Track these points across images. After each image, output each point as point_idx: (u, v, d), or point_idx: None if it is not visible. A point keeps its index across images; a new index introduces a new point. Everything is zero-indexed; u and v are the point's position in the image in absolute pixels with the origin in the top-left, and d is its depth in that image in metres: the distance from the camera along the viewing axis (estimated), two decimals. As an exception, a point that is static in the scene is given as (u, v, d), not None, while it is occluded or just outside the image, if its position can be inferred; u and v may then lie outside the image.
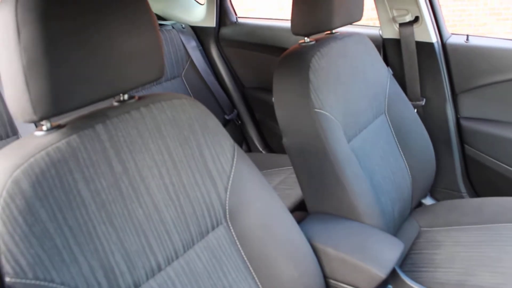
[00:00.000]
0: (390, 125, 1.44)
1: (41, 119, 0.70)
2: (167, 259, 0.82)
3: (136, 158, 0.80)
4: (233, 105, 2.37)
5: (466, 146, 1.72)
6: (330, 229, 1.17)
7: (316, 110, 1.17)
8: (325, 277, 1.07)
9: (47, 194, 0.68)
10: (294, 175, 1.40)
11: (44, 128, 0.75)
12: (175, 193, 0.84)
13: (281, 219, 0.99)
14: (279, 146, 2.31)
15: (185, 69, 2.17)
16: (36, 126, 1.07)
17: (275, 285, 0.93)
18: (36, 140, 0.73)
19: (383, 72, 1.46)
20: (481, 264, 1.23)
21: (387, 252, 1.09)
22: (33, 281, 0.64)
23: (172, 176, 0.84)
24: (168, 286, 0.81)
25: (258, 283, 0.93)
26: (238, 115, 2.37)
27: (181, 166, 0.86)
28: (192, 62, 2.20)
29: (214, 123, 0.95)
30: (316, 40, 1.32)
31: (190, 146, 0.88)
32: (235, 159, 0.95)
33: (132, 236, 0.77)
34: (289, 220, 1.01)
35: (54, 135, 0.74)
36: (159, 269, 0.80)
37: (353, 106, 1.30)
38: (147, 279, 0.78)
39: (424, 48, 1.66)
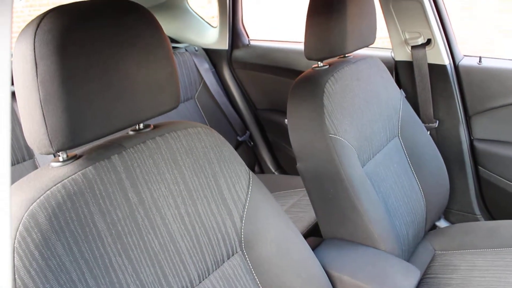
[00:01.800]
0: (404, 148, 1.44)
1: (58, 151, 0.71)
2: None
3: (151, 188, 0.81)
4: (246, 127, 2.38)
5: (480, 168, 1.70)
6: (345, 255, 1.16)
7: (330, 135, 1.17)
8: None
9: (63, 227, 0.69)
10: (307, 198, 1.40)
11: (60, 159, 0.76)
12: (190, 223, 0.84)
13: (297, 247, 0.99)
14: (291, 167, 2.31)
15: (198, 91, 2.20)
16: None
17: None
18: (52, 172, 0.74)
19: (396, 95, 1.46)
20: (499, 290, 1.21)
21: (403, 280, 1.08)
22: None
23: (188, 206, 0.85)
24: None
25: None
26: (251, 137, 2.38)
27: (197, 196, 0.87)
28: (205, 84, 2.22)
29: (229, 152, 0.95)
30: (330, 64, 1.33)
31: (206, 175, 0.89)
32: (250, 188, 0.95)
33: (147, 267, 0.77)
34: (305, 247, 1.00)
35: (70, 167, 0.75)
36: None
37: (366, 130, 1.30)
38: None
39: (437, 70, 1.66)
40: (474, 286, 1.24)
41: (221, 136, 0.96)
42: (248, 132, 2.36)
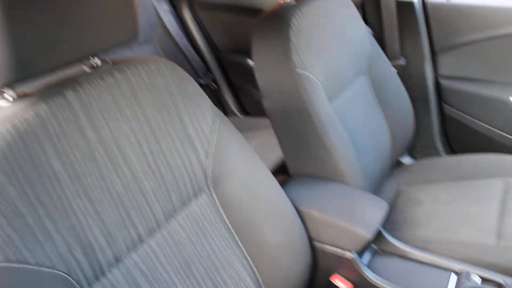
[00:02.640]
0: (370, 85, 1.42)
1: (3, 86, 0.65)
2: (149, 231, 0.79)
3: (111, 126, 0.76)
4: (208, 70, 2.31)
5: (444, 105, 1.72)
6: (314, 191, 1.16)
7: (297, 70, 1.14)
8: (311, 239, 1.06)
9: (15, 170, 0.64)
10: (273, 138, 1.38)
11: (10, 98, 0.70)
12: (154, 162, 0.81)
13: (266, 184, 0.97)
14: (256, 109, 2.27)
15: (157, 34, 2.10)
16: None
17: (260, 250, 0.92)
18: (1, 112, 0.68)
19: (363, 32, 1.43)
20: (461, 221, 1.24)
21: (372, 212, 1.09)
22: (5, 264, 0.60)
23: (151, 144, 0.81)
24: (151, 258, 0.78)
25: (244, 250, 0.91)
26: (214, 80, 2.32)
27: (160, 133, 0.82)
28: (164, 26, 2.12)
29: (193, 87, 0.91)
30: (296, 0, 1.27)
31: (169, 111, 0.84)
32: (216, 124, 0.91)
33: (110, 209, 0.73)
34: (274, 184, 0.99)
35: (21, 106, 0.68)
36: (141, 241, 0.77)
37: (334, 66, 1.27)
38: (128, 252, 0.75)
39: (404, 7, 1.63)
40: (439, 218, 1.27)
41: (184, 72, 0.91)
42: (210, 75, 2.29)
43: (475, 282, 1.01)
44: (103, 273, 0.71)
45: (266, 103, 1.22)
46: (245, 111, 2.36)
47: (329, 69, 1.24)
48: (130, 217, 0.76)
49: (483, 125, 1.64)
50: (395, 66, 1.65)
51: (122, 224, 0.74)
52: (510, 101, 1.54)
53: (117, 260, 0.74)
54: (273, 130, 1.27)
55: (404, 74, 1.70)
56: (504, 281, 1.00)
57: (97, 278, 0.70)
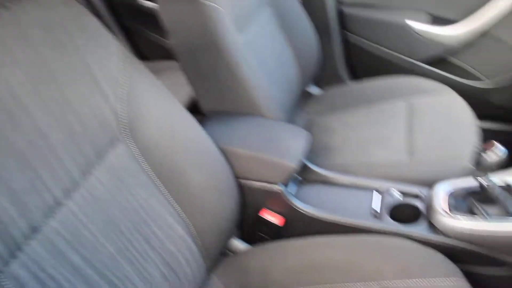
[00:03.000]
0: (276, 16, 1.38)
1: None
2: (65, 191, 0.69)
3: (2, 74, 0.64)
4: (97, 14, 2.10)
5: (347, 32, 1.74)
6: (233, 128, 1.12)
7: (202, 1, 1.06)
8: (237, 177, 1.03)
9: None
10: (178, 79, 1.31)
11: None
12: (60, 111, 0.70)
13: (185, 125, 0.91)
14: (155, 53, 2.14)
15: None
16: None
17: (187, 195, 0.87)
18: None
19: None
20: (374, 142, 1.29)
21: (294, 143, 1.08)
22: None
23: (53, 91, 0.70)
24: (72, 221, 0.69)
25: (170, 197, 0.85)
26: (104, 24, 2.12)
27: (62, 78, 0.72)
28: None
29: (95, 25, 0.80)
30: None
31: (69, 52, 0.73)
32: (125, 65, 0.82)
33: (16, 172, 0.63)
34: (193, 125, 0.93)
35: None
36: (58, 204, 0.68)
37: (239, -4, 1.20)
38: (45, 219, 0.66)
39: None
40: (352, 143, 1.31)
41: (82, 7, 0.79)
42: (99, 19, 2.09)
43: (396, 196, 1.06)
44: (19, 247, 0.62)
45: (174, 40, 1.13)
46: (144, 57, 2.21)
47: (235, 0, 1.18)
48: (41, 179, 0.66)
49: (384, 49, 1.69)
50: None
51: (33, 188, 0.64)
52: (406, 24, 1.60)
53: (34, 230, 0.64)
54: (179, 70, 1.19)
55: (307, 4, 1.68)
56: (421, 192, 1.06)
57: (13, 255, 0.61)
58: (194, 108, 1.19)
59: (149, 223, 0.81)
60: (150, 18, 1.71)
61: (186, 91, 1.36)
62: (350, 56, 1.78)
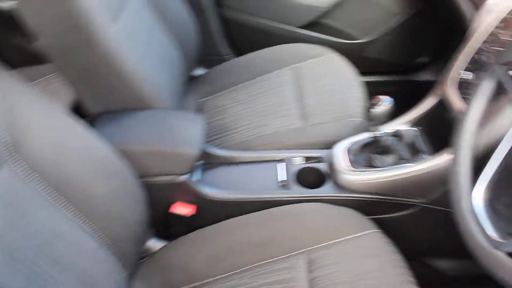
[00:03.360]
0: (151, 0, 1.31)
1: None
2: None
3: None
4: None
5: (224, 8, 1.71)
6: (125, 126, 1.06)
7: None
8: (140, 176, 0.97)
9: None
10: (58, 83, 1.20)
11: None
12: None
13: (74, 133, 0.83)
14: (22, 60, 1.94)
15: None
16: None
17: (90, 205, 0.80)
18: None
19: None
20: (267, 114, 1.29)
21: (191, 129, 1.05)
22: None
23: None
24: None
25: (73, 210, 0.78)
26: None
27: None
28: None
29: None
30: None
31: None
32: None
33: None
34: (82, 131, 0.86)
35: None
36: None
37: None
38: None
39: None
40: (246, 118, 1.30)
41: None
42: None
43: (300, 163, 1.08)
44: None
45: (44, 42, 1.01)
46: (9, 65, 1.98)
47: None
48: None
49: (261, 20, 1.70)
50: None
51: None
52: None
53: None
54: (55, 73, 1.08)
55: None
56: (322, 154, 1.09)
57: None
58: (80, 112, 1.10)
59: (55, 244, 0.73)
60: (7, 20, 1.54)
61: (68, 95, 1.25)
62: (230, 32, 1.77)
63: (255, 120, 1.28)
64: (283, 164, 1.09)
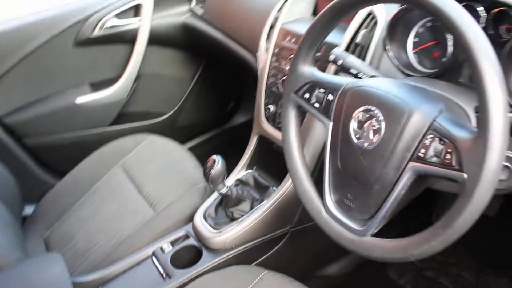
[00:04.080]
0: None
1: None
2: None
3: None
4: None
5: (25, 138, 1.61)
6: None
7: None
8: None
9: None
10: None
11: None
12: None
13: None
14: None
15: None
16: None
17: None
18: None
19: None
20: (117, 217, 1.25)
21: (54, 274, 0.96)
22: None
23: None
24: None
25: None
26: None
27: None
28: None
29: None
30: None
31: None
32: None
33: None
34: None
35: None
36: None
37: None
38: None
39: None
40: (96, 235, 1.23)
41: None
42: None
43: (169, 249, 1.07)
44: None
45: None
46: None
47: None
48: None
49: (67, 135, 1.65)
50: None
51: None
52: (75, 104, 1.60)
53: None
54: None
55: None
56: (186, 231, 1.11)
57: None
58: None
59: None
60: None
61: None
62: (41, 157, 1.67)
63: (108, 230, 1.23)
64: (154, 258, 1.07)
